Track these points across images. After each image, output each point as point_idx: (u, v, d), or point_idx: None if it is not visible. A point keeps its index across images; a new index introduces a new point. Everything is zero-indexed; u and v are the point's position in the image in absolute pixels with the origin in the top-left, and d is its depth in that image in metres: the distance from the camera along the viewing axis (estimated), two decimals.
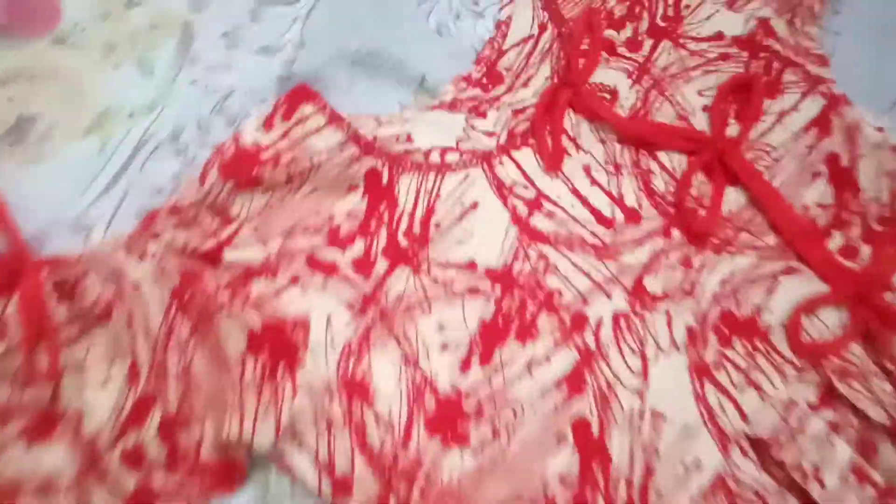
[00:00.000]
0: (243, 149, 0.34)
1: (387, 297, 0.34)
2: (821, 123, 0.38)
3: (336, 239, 0.35)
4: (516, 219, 0.36)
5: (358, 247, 0.35)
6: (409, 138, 0.37)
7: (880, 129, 0.38)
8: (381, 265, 0.35)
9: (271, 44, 0.39)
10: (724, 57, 0.40)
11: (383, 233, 0.35)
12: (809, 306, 0.34)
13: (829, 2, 0.42)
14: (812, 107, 0.38)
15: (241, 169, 0.33)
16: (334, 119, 0.35)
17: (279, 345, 0.31)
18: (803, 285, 0.35)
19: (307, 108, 0.35)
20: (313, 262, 0.34)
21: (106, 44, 0.38)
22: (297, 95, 0.35)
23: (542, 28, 0.41)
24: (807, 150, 0.38)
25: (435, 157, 0.37)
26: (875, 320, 0.33)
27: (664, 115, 0.39)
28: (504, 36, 0.40)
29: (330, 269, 0.34)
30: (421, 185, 0.36)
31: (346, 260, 0.35)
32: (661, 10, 0.40)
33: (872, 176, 0.37)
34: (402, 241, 0.35)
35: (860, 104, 0.39)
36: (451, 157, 0.37)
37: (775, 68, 0.39)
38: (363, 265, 0.34)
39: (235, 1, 0.40)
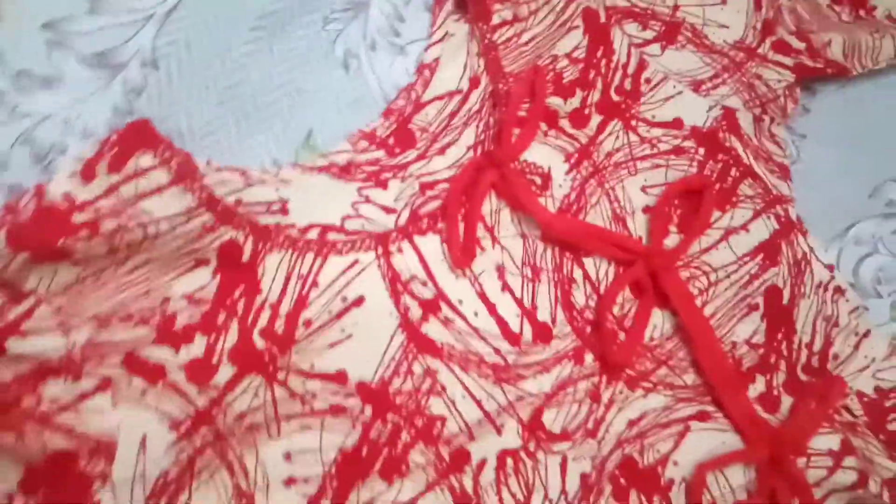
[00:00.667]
0: (48, 208, 0.26)
1: (226, 415, 0.28)
2: (769, 250, 0.35)
3: (168, 332, 0.28)
4: (406, 323, 0.31)
5: (197, 345, 0.29)
6: (283, 209, 0.30)
7: (830, 268, 0.35)
8: (225, 372, 0.29)
9: (110, 50, 0.30)
10: (678, 151, 0.35)
11: (234, 328, 0.29)
12: (716, 463, 0.32)
13: (801, 100, 0.38)
14: (762, 229, 0.36)
15: (43, 236, 0.26)
16: (183, 176, 0.28)
17: (64, 480, 0.25)
18: (715, 436, 0.33)
19: (145, 159, 0.27)
20: (133, 363, 0.28)
21: None
22: (135, 136, 0.28)
23: (474, 82, 0.34)
24: (748, 278, 0.35)
25: (314, 235, 0.30)
26: (783, 487, 0.32)
27: (599, 212, 0.34)
28: (426, 84, 0.34)
29: (155, 374, 0.28)
30: (294, 267, 0.30)
31: (179, 362, 0.28)
32: (616, 81, 0.35)
33: (811, 318, 0.35)
34: (258, 342, 0.29)
35: (814, 222, 0.36)
36: (335, 237, 0.31)
37: (732, 175, 0.35)
38: (201, 371, 0.29)
39: None
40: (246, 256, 0.29)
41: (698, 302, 0.34)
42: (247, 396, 0.29)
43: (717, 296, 0.34)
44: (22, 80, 0.29)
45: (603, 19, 0.35)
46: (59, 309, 0.27)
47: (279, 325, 0.29)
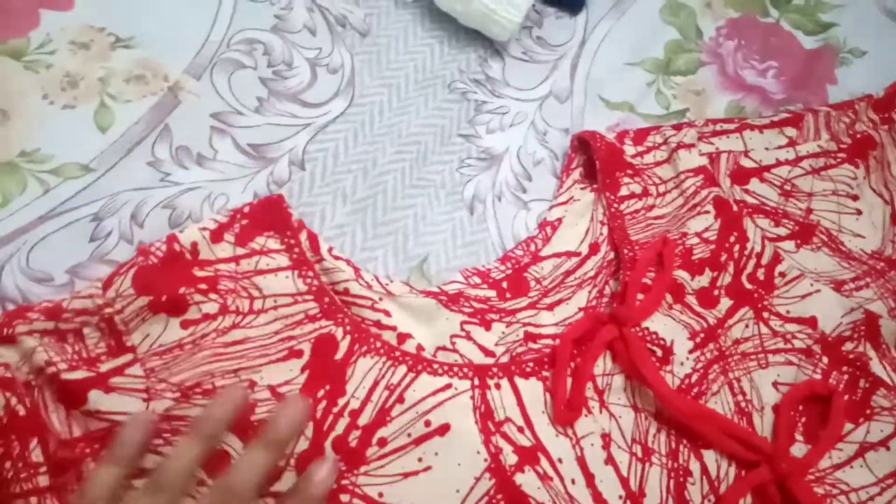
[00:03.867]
0: (176, 255, 0.31)
1: None
2: None
3: (243, 421, 0.30)
4: (497, 468, 0.32)
5: None
6: (387, 313, 0.34)
7: None
8: (288, 481, 0.30)
9: (265, 145, 0.38)
10: (809, 353, 0.37)
11: (308, 432, 0.31)
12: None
13: None
14: None
15: (165, 283, 0.30)
16: (300, 264, 0.33)
17: None
18: None
19: (272, 242, 0.33)
20: None
21: (69, 75, 0.37)
22: (265, 213, 0.33)
23: (594, 248, 0.39)
24: None
25: (410, 347, 0.33)
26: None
27: (721, 401, 0.36)
28: (546, 240, 0.39)
29: (218, 463, 0.29)
30: (383, 376, 0.32)
31: None
32: (749, 269, 0.38)
33: None
34: (329, 453, 0.31)
35: None
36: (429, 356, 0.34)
37: (862, 386, 0.36)
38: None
39: (245, 81, 0.40)
40: (340, 354, 0.32)
41: None
42: None
43: None
44: (180, 154, 0.37)
45: (734, 209, 0.40)
46: (151, 371, 0.30)
47: (353, 438, 0.31)
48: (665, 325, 0.37)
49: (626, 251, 0.38)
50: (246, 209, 0.33)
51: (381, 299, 0.34)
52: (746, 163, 0.42)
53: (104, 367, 0.30)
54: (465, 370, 0.33)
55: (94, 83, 0.37)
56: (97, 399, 0.29)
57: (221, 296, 0.31)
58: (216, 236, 0.32)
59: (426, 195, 0.39)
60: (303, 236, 0.34)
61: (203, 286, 0.31)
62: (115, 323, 0.30)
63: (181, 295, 0.30)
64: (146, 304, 0.30)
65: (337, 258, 0.34)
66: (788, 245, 0.40)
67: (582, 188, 0.41)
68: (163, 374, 0.30)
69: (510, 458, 0.32)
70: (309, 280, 0.33)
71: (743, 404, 0.36)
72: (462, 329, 0.36)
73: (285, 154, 0.38)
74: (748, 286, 0.39)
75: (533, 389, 0.34)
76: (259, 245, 0.33)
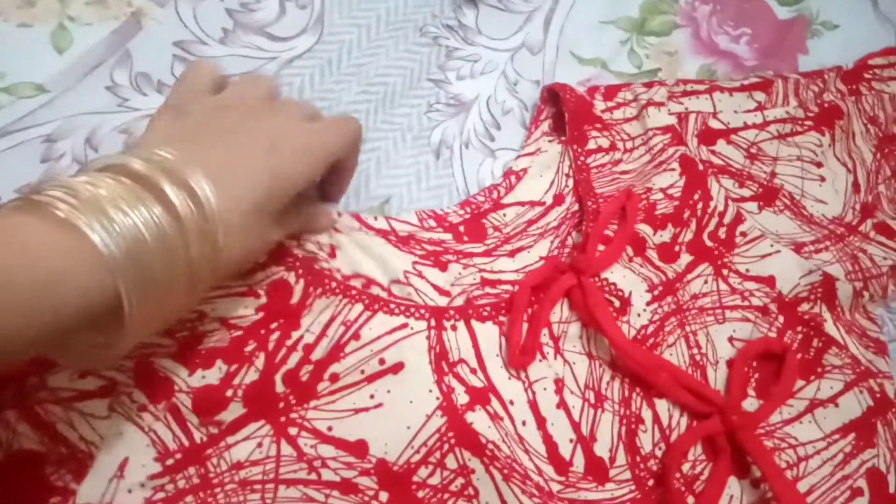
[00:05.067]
0: None
1: (220, 460, 0.28)
2: (862, 430, 0.35)
3: (190, 350, 0.30)
4: (449, 407, 0.31)
5: (215, 373, 0.30)
6: (331, 252, 0.33)
7: None
8: (233, 412, 0.29)
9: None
10: (765, 311, 0.37)
11: (259, 362, 0.30)
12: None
13: None
14: (853, 405, 0.36)
15: None
16: None
17: (21, 484, 0.26)
18: None
19: None
20: (143, 371, 0.29)
21: None
22: None
23: (559, 199, 0.38)
24: (842, 457, 0.34)
25: (357, 284, 0.33)
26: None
27: (676, 354, 0.35)
28: (510, 189, 0.38)
29: (161, 390, 0.29)
30: (340, 313, 0.31)
31: (190, 385, 0.29)
32: (711, 227, 0.38)
33: None
34: (279, 385, 0.30)
35: None
36: (379, 292, 0.33)
37: (815, 346, 0.36)
38: (209, 400, 0.29)
39: (211, 11, 0.38)
40: (296, 298, 0.31)
41: (788, 476, 0.33)
42: (248, 444, 0.29)
43: (810, 475, 0.34)
44: (140, 81, 0.35)
45: (700, 168, 0.39)
46: None
47: (305, 373, 0.30)
48: (624, 276, 0.36)
49: (589, 203, 0.38)
50: None
51: (329, 236, 0.33)
52: (714, 124, 0.41)
53: None
54: (422, 311, 0.32)
55: (53, 4, 0.35)
56: None
57: None
58: None
59: (392, 137, 0.38)
60: None
61: None
62: None
63: None
64: None
65: None
66: (751, 206, 0.40)
67: (550, 140, 0.40)
68: None
69: (462, 397, 0.31)
70: None
71: (698, 357, 0.35)
72: (414, 269, 0.35)
73: None
74: (709, 244, 0.38)
75: (489, 333, 0.33)
76: None
